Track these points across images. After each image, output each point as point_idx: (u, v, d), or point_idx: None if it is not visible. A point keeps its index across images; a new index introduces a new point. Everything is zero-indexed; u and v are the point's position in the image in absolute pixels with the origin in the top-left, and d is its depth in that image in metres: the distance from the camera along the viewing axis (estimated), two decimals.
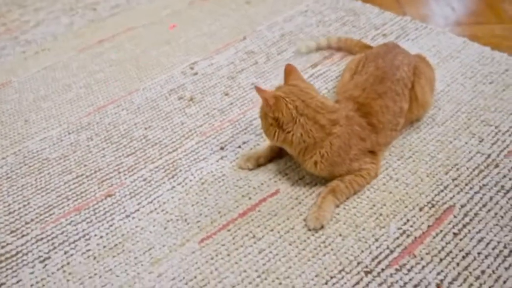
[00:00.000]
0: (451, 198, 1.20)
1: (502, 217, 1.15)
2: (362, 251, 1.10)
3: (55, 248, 1.17)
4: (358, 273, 1.06)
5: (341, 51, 1.69)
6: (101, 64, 1.78)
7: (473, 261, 1.07)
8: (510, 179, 1.23)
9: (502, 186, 1.22)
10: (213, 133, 1.44)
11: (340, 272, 1.07)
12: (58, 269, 1.12)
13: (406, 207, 1.19)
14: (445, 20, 1.89)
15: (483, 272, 1.05)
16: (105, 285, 1.08)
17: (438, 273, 1.05)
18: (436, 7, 1.99)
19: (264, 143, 1.38)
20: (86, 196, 1.29)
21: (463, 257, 1.07)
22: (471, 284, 1.03)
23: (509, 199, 1.19)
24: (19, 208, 1.28)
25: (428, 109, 1.40)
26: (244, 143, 1.40)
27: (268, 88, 1.46)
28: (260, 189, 1.26)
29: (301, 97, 1.19)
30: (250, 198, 1.24)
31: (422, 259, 1.08)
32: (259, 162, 1.32)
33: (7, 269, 1.13)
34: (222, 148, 1.39)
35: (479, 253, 1.08)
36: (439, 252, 1.09)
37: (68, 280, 1.10)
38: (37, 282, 1.10)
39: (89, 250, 1.16)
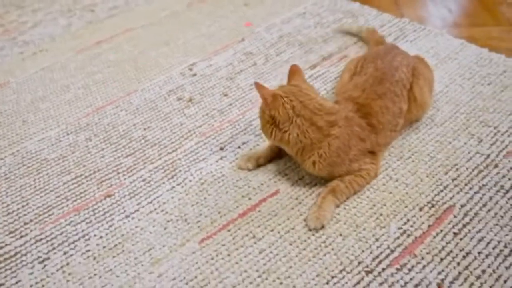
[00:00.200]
0: (451, 198, 1.20)
1: (502, 216, 1.15)
2: (363, 251, 1.10)
3: (54, 248, 1.17)
4: (359, 272, 1.06)
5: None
6: (99, 65, 1.78)
7: (473, 261, 1.07)
8: (509, 179, 1.24)
9: (502, 186, 1.22)
10: (213, 133, 1.44)
11: (341, 271, 1.07)
12: (57, 270, 1.12)
13: (406, 207, 1.19)
14: (443, 21, 1.90)
15: (483, 271, 1.05)
16: (105, 285, 1.08)
17: (439, 273, 1.05)
18: (434, 9, 1.99)
19: (263, 144, 1.37)
20: (85, 196, 1.29)
21: (464, 257, 1.08)
22: (472, 284, 1.03)
23: (508, 199, 1.19)
24: (18, 209, 1.27)
25: (427, 110, 1.41)
26: (243, 143, 1.40)
27: None
28: (260, 189, 1.26)
29: (299, 98, 1.19)
30: (250, 199, 1.24)
31: (422, 258, 1.08)
32: (259, 163, 1.32)
33: (6, 270, 1.13)
34: (221, 149, 1.39)
35: (479, 253, 1.08)
36: (440, 251, 1.09)
37: (68, 281, 1.09)
38: (36, 283, 1.10)
39: (88, 250, 1.15)
